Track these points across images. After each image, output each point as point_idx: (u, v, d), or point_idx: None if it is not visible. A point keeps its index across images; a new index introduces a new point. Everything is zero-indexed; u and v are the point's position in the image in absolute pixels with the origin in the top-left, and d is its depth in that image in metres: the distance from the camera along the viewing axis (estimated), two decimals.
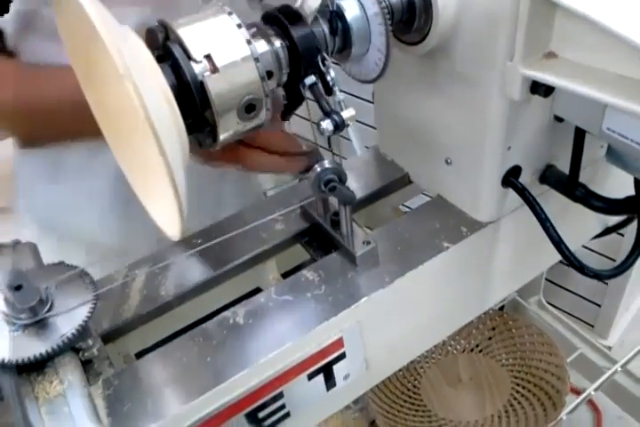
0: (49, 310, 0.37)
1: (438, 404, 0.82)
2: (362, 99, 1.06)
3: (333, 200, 0.44)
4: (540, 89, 0.36)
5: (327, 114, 0.34)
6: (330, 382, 0.45)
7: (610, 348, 1.23)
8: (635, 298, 1.33)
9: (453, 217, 0.49)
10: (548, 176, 0.47)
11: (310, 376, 0.44)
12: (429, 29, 0.38)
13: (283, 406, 0.44)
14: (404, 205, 0.64)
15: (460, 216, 0.49)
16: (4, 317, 0.36)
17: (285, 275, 0.51)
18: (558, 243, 0.42)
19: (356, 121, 0.39)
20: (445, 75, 0.41)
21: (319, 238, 0.50)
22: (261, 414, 0.42)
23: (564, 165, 0.47)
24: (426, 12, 0.37)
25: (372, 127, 0.77)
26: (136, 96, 0.25)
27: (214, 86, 0.31)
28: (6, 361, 0.34)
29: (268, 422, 0.43)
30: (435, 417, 0.80)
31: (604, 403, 1.10)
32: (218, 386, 0.38)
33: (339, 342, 0.44)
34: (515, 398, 0.78)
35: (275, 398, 0.42)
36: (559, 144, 0.46)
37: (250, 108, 0.32)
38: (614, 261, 1.14)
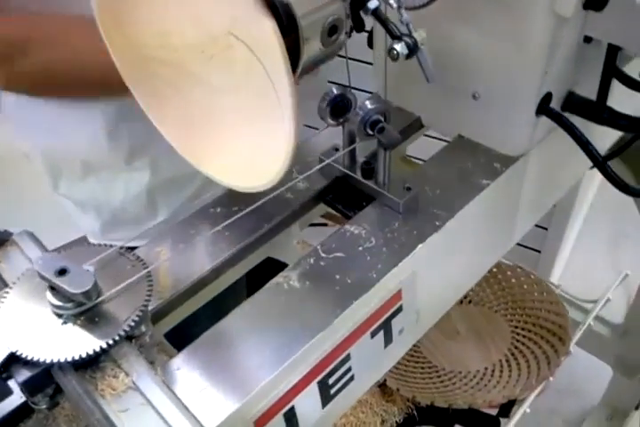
0: (99, 296, 0.31)
1: (442, 358, 0.82)
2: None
3: (382, 140, 0.41)
4: (595, 2, 0.34)
5: (398, 37, 0.31)
6: (388, 338, 0.43)
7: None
8: (569, 241, 1.41)
9: (483, 155, 0.47)
10: (572, 102, 0.46)
11: (373, 334, 0.41)
12: None
13: (349, 370, 0.41)
14: (408, 156, 0.62)
15: (489, 153, 0.48)
16: (51, 308, 0.30)
17: None
18: (601, 164, 0.42)
19: None
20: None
21: (344, 194, 0.48)
22: (331, 380, 0.40)
23: (583, 91, 0.46)
24: None
25: None
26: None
27: (300, 7, 0.27)
28: (63, 360, 0.29)
29: (336, 387, 0.41)
30: (443, 371, 0.80)
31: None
32: (292, 356, 0.35)
33: (398, 295, 0.41)
34: (518, 341, 0.80)
35: (343, 362, 0.40)
36: (582, 69, 0.45)
37: (332, 31, 0.28)
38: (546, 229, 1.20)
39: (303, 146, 0.51)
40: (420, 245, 0.41)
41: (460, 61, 0.44)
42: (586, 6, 0.35)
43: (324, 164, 0.45)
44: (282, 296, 0.39)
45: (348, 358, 0.40)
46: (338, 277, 0.40)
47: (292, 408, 0.37)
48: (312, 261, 0.41)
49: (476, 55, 0.43)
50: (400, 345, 0.46)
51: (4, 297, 0.32)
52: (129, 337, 0.34)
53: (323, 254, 0.41)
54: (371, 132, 0.39)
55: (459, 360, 0.81)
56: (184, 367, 0.35)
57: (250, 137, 0.26)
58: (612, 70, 0.42)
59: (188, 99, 0.28)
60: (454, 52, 0.44)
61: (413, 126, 0.53)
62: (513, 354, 0.79)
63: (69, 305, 0.30)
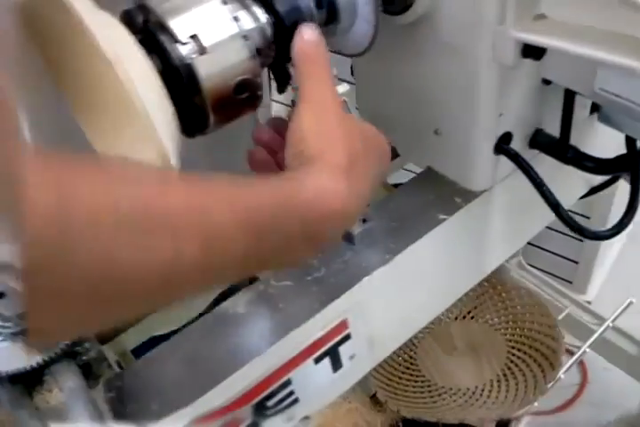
0: None
1: (436, 373, 0.83)
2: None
3: None
4: (532, 52, 0.34)
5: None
6: (336, 363, 0.45)
7: (589, 302, 1.27)
8: (609, 252, 1.36)
9: (446, 188, 0.48)
10: (538, 140, 0.46)
11: (317, 360, 0.43)
12: None
13: (291, 393, 0.43)
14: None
15: (452, 187, 0.48)
16: None
17: None
18: (556, 206, 0.42)
19: None
20: (432, 44, 0.40)
21: None
22: (270, 403, 0.42)
23: (552, 129, 0.46)
24: None
25: None
26: (128, 84, 0.23)
27: (203, 69, 0.29)
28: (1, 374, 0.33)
29: (276, 409, 0.43)
30: (434, 386, 0.81)
31: (589, 355, 1.14)
32: (223, 381, 0.37)
33: (343, 324, 0.43)
34: (512, 362, 0.80)
35: (283, 386, 0.42)
36: (547, 108, 0.45)
37: (241, 90, 0.30)
38: (589, 218, 1.16)
39: None
40: (365, 278, 0.42)
41: (419, 99, 0.45)
42: (525, 55, 0.35)
43: None
44: (225, 321, 0.41)
45: (288, 382, 0.42)
46: (281, 305, 0.42)
47: None
48: (262, 287, 0.43)
49: (432, 93, 0.43)
50: (354, 370, 0.48)
51: None
52: (72, 354, 0.37)
53: (273, 282, 0.43)
54: None
55: (451, 377, 0.82)
56: (124, 383, 0.38)
57: None
58: (571, 110, 0.42)
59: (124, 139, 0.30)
60: (412, 90, 0.45)
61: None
62: (505, 375, 0.78)
63: (8, 324, 0.34)
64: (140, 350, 0.46)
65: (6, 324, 0.34)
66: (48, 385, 0.35)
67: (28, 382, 0.35)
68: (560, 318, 0.91)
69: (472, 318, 0.90)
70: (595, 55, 0.32)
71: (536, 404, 0.70)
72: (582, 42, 0.32)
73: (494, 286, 0.92)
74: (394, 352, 0.84)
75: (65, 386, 0.35)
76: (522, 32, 0.34)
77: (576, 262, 1.29)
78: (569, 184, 0.59)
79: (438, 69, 0.41)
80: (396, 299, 0.46)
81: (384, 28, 0.42)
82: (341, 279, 0.42)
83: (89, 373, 0.39)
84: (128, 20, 0.30)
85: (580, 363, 1.26)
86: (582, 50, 0.32)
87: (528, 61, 0.37)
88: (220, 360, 0.39)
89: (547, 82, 0.42)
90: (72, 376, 0.36)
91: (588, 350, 0.76)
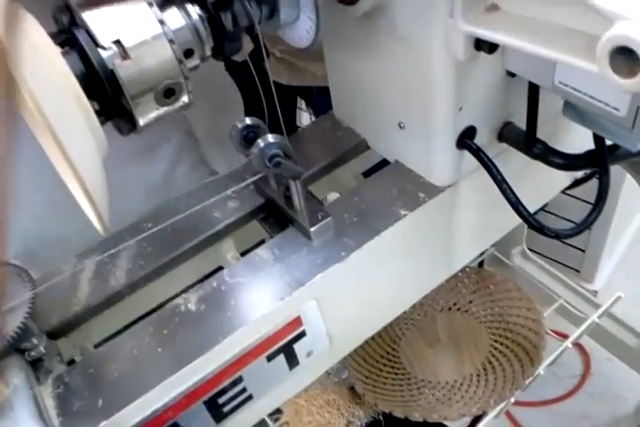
0: None
1: (418, 366, 0.82)
2: None
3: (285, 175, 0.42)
4: (484, 45, 0.33)
5: None
6: (292, 360, 0.44)
7: (596, 292, 1.26)
8: (618, 241, 1.34)
9: (411, 183, 0.47)
10: (506, 134, 0.45)
11: (270, 357, 0.43)
12: None
13: (244, 390, 0.43)
14: None
15: (417, 181, 0.47)
16: None
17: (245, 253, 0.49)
18: (516, 205, 0.41)
19: None
20: (386, 35, 0.38)
21: (275, 214, 0.48)
22: (222, 400, 0.42)
23: (522, 122, 0.44)
24: None
25: None
26: (33, 103, 0.22)
27: (126, 74, 0.28)
28: None
29: (230, 406, 0.43)
30: (414, 379, 0.80)
31: (593, 347, 1.13)
32: (170, 377, 0.37)
33: (297, 321, 0.42)
34: (493, 356, 0.79)
35: (234, 383, 0.41)
36: (515, 100, 0.43)
37: (169, 93, 0.29)
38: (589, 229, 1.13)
39: (246, 165, 0.52)
40: (320, 275, 0.41)
41: (381, 91, 0.44)
42: (477, 48, 0.34)
43: (244, 184, 0.46)
44: (176, 318, 0.41)
45: (240, 379, 0.42)
46: (233, 302, 0.41)
47: (176, 425, 0.40)
48: (215, 284, 0.43)
49: (392, 86, 0.42)
50: (313, 366, 0.47)
51: None
52: (21, 350, 0.37)
53: (226, 278, 0.43)
54: (269, 166, 0.40)
55: (431, 369, 0.81)
56: (72, 380, 0.38)
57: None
58: (536, 102, 0.40)
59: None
60: (374, 83, 0.44)
61: (360, 147, 0.53)
62: (485, 369, 0.77)
63: None
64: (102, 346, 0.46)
65: None
66: None
67: None
68: (556, 306, 0.90)
69: (458, 309, 0.89)
70: (546, 54, 0.30)
71: (512, 400, 0.70)
72: (534, 38, 0.30)
73: (483, 278, 0.90)
74: (376, 344, 0.84)
75: (10, 382, 0.36)
76: (471, 26, 0.32)
77: (583, 251, 1.27)
78: (550, 176, 0.57)
79: (395, 62, 0.39)
80: (353, 297, 0.45)
81: (341, 21, 0.41)
82: (295, 276, 0.42)
83: (40, 368, 0.39)
84: (56, 19, 0.29)
85: (583, 352, 1.25)
86: (534, 48, 0.30)
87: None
88: (169, 357, 0.39)
89: (511, 74, 0.40)
90: (18, 372, 0.36)
91: (570, 345, 0.75)
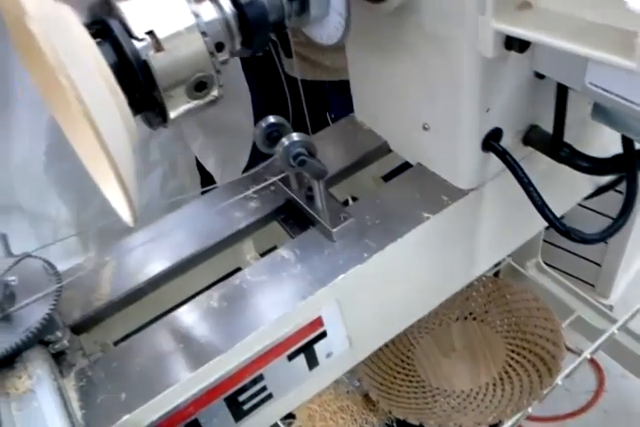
0: (13, 304, 0.35)
1: (432, 374, 0.81)
2: None
3: (306, 174, 0.42)
4: (515, 44, 0.33)
5: None
6: (312, 361, 0.44)
7: (611, 307, 1.24)
8: (635, 256, 1.32)
9: (434, 186, 0.47)
10: (532, 137, 0.45)
11: (290, 357, 0.42)
12: None
13: (264, 389, 0.42)
14: None
15: (441, 184, 0.47)
16: None
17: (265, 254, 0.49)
18: (542, 207, 0.40)
19: None
20: (414, 33, 0.38)
21: (295, 215, 0.49)
22: (242, 398, 0.41)
23: (548, 125, 0.44)
24: None
25: None
26: (72, 90, 0.23)
27: (159, 66, 0.28)
28: None
29: (250, 404, 0.43)
30: (429, 387, 0.79)
31: (607, 362, 1.10)
32: (192, 373, 0.37)
33: (318, 322, 0.42)
34: (510, 365, 0.78)
35: (254, 381, 0.41)
36: (542, 103, 0.43)
37: (200, 86, 0.29)
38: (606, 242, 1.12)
39: (267, 166, 0.52)
40: (341, 276, 0.41)
41: (406, 92, 0.44)
42: (507, 47, 0.34)
43: (265, 184, 0.46)
44: (199, 314, 0.41)
45: (260, 377, 0.42)
46: (255, 301, 0.41)
47: (196, 421, 0.39)
48: (237, 282, 0.43)
49: (418, 86, 0.42)
50: (332, 368, 0.47)
51: None
52: (46, 342, 0.38)
53: (248, 277, 0.43)
54: (293, 164, 0.40)
55: (447, 378, 0.80)
56: (95, 374, 0.38)
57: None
58: (564, 105, 0.40)
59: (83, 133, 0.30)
60: (399, 83, 0.44)
61: (382, 149, 0.53)
62: (501, 379, 0.76)
63: None
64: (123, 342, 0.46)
65: None
66: (18, 371, 0.36)
67: (1, 369, 0.35)
68: (571, 320, 0.89)
69: (474, 319, 0.88)
70: (581, 51, 0.30)
71: (530, 409, 0.69)
72: (567, 35, 0.30)
73: (500, 287, 0.90)
74: (390, 352, 0.83)
75: (34, 373, 0.36)
76: (502, 23, 0.32)
77: (599, 265, 1.25)
78: (572, 183, 0.57)
79: (422, 61, 0.40)
80: (374, 298, 0.45)
81: (368, 18, 0.41)
82: (317, 276, 0.42)
83: (63, 361, 0.39)
84: (92, 11, 0.29)
85: (598, 369, 1.23)
86: (567, 45, 0.30)
87: (516, 54, 0.35)
88: (191, 353, 0.39)
89: (540, 75, 0.40)
90: (42, 364, 0.36)
91: (589, 356, 0.74)
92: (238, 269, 0.50)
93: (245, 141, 0.78)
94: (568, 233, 0.40)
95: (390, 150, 0.53)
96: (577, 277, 1.32)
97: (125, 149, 0.27)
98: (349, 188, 0.54)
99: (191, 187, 0.72)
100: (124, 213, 0.29)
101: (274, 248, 0.49)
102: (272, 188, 0.49)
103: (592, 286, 1.30)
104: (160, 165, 0.68)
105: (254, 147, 0.79)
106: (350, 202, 0.56)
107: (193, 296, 0.47)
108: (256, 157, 0.80)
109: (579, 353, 0.83)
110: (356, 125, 0.55)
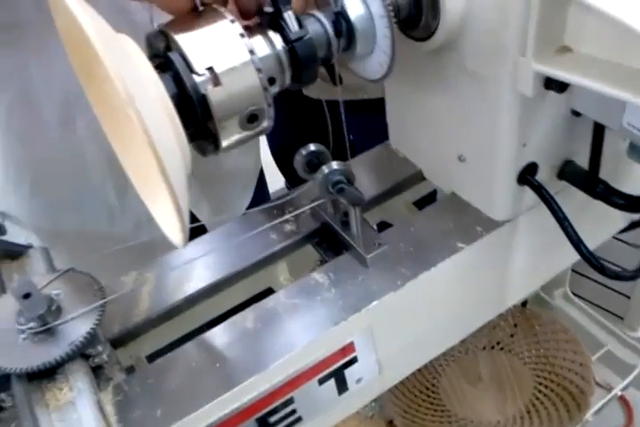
0: (58, 318, 0.37)
1: (458, 403, 0.80)
2: None
3: (343, 200, 0.44)
4: (554, 85, 0.34)
5: None
6: (341, 386, 0.44)
7: None
8: None
9: (468, 216, 0.47)
10: (567, 172, 0.45)
11: (321, 381, 0.43)
12: (437, 25, 0.36)
13: (294, 411, 0.43)
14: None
15: (475, 215, 0.47)
16: (15, 324, 0.36)
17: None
18: (577, 243, 0.41)
19: None
20: (455, 70, 0.40)
21: (330, 239, 0.50)
22: (272, 419, 0.42)
23: (583, 161, 0.45)
24: (433, 7, 0.36)
25: None
26: (138, 121, 0.25)
27: (216, 99, 0.30)
28: (16, 370, 0.35)
29: (280, 426, 0.43)
30: (454, 417, 0.78)
31: (637, 398, 1.07)
32: (227, 393, 0.38)
33: (350, 347, 0.43)
34: (537, 398, 0.77)
35: (285, 404, 0.42)
36: (578, 139, 0.44)
37: (252, 118, 0.31)
38: None
39: (305, 188, 0.53)
40: (374, 302, 0.42)
41: (443, 124, 0.45)
42: (547, 87, 0.35)
43: (302, 209, 0.48)
44: (233, 335, 0.42)
45: (291, 400, 0.42)
46: (288, 324, 0.42)
47: None
48: (271, 304, 0.44)
49: (456, 119, 0.43)
50: (361, 394, 0.47)
51: None
52: (86, 355, 0.39)
53: (282, 299, 0.44)
54: (332, 191, 0.41)
55: (473, 408, 0.79)
56: (131, 389, 0.39)
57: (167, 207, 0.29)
58: (601, 142, 0.40)
59: (139, 156, 0.32)
60: (436, 115, 0.45)
61: (416, 177, 0.54)
62: (529, 412, 0.75)
63: (31, 324, 0.36)
64: (155, 357, 0.47)
65: (30, 324, 0.36)
66: (59, 383, 0.37)
67: (42, 379, 0.37)
68: (601, 353, 0.87)
69: (501, 349, 0.87)
70: (619, 95, 0.31)
71: None
72: (607, 79, 0.31)
73: (528, 317, 0.89)
74: (416, 379, 0.83)
75: (75, 386, 0.37)
76: (542, 65, 0.33)
77: (628, 297, 1.23)
78: (606, 217, 0.57)
79: (461, 96, 0.41)
80: (405, 326, 0.46)
81: (409, 54, 0.43)
82: (350, 302, 0.42)
83: (101, 375, 0.41)
84: (150, 43, 0.31)
85: (625, 403, 1.19)
86: (606, 89, 0.31)
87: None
88: (226, 373, 0.40)
89: (577, 113, 0.41)
90: (83, 377, 0.38)
91: (619, 392, 0.72)
92: (269, 289, 0.52)
93: (248, 185, 0.78)
94: (603, 269, 0.40)
95: (424, 178, 0.54)
96: (605, 309, 1.29)
97: (181, 177, 0.29)
98: (381, 213, 0.55)
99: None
100: (175, 236, 0.31)
101: (306, 270, 0.50)
102: (308, 211, 0.50)
103: (621, 318, 1.27)
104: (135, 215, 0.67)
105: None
106: (374, 225, 0.57)
107: (225, 314, 0.49)
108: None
109: (607, 388, 0.82)
110: (391, 153, 0.56)
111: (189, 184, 0.31)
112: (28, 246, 0.48)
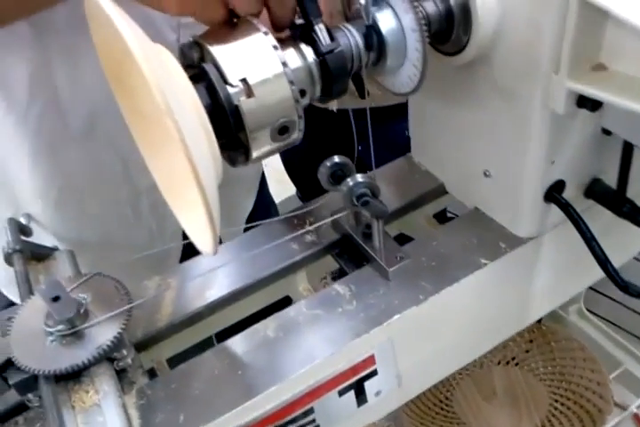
0: (85, 321, 0.37)
1: (473, 417, 0.80)
2: None
3: (366, 212, 0.44)
4: (587, 103, 0.34)
5: None
6: (361, 398, 0.44)
7: None
8: None
9: (492, 232, 0.47)
10: (594, 190, 0.45)
11: (341, 392, 0.43)
12: (468, 40, 0.37)
13: (313, 421, 0.43)
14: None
15: (498, 231, 0.47)
16: (44, 326, 0.37)
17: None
18: (604, 262, 0.40)
19: None
20: (485, 86, 0.40)
21: (351, 250, 0.50)
22: None
23: (611, 179, 0.45)
24: (465, 22, 0.36)
25: None
26: (176, 132, 0.25)
27: (249, 110, 0.30)
28: (45, 372, 0.35)
29: None
30: None
31: None
32: (248, 401, 0.38)
33: (370, 360, 0.43)
34: (553, 415, 0.76)
35: (305, 414, 0.42)
36: (606, 157, 0.44)
37: (283, 130, 0.32)
38: None
39: (326, 199, 0.54)
40: (396, 316, 0.42)
41: (470, 139, 0.45)
42: (579, 106, 0.35)
43: (324, 221, 0.48)
44: (255, 343, 0.42)
45: (311, 410, 0.42)
46: (310, 334, 0.42)
47: None
48: (292, 313, 0.44)
49: (483, 135, 0.43)
50: (380, 406, 0.47)
51: (18, 310, 0.39)
52: (111, 359, 0.39)
53: (304, 309, 0.44)
54: (356, 204, 0.41)
55: (488, 423, 0.78)
56: (154, 393, 0.40)
57: (197, 215, 0.30)
58: (629, 162, 0.40)
59: (170, 164, 0.32)
60: (463, 129, 0.45)
61: (437, 191, 0.54)
62: None
63: (59, 327, 0.37)
64: (174, 360, 0.48)
65: (58, 326, 0.37)
66: (86, 386, 0.38)
67: (68, 381, 0.37)
68: (617, 373, 0.86)
69: (516, 364, 0.86)
70: None
71: None
72: None
73: (544, 333, 0.88)
74: (430, 391, 0.82)
75: (101, 389, 0.38)
76: (576, 83, 0.33)
77: None
78: (631, 236, 0.56)
79: (490, 112, 0.41)
80: (426, 340, 0.45)
81: (438, 69, 0.43)
82: (372, 315, 0.42)
83: (124, 378, 0.41)
84: (184, 53, 0.32)
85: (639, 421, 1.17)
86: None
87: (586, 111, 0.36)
88: (248, 381, 0.40)
89: (607, 131, 0.41)
90: (108, 380, 0.38)
91: (635, 409, 0.71)
92: (287, 298, 0.52)
93: (251, 188, 0.79)
94: (627, 288, 0.40)
95: (446, 192, 0.54)
96: (620, 327, 1.27)
97: (213, 186, 0.29)
98: (401, 225, 0.56)
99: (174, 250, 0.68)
100: (206, 245, 0.31)
101: (325, 279, 0.50)
102: (329, 222, 0.51)
103: (636, 337, 1.26)
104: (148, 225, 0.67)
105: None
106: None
107: (244, 321, 0.49)
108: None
109: (623, 406, 0.80)
110: (414, 166, 0.56)
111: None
112: (54, 249, 0.49)
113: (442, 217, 0.58)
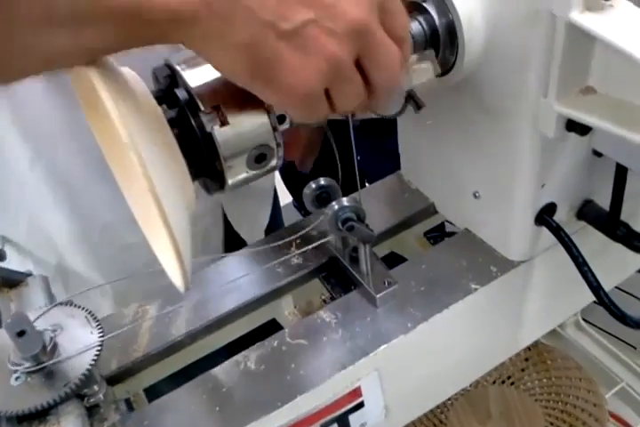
0: (53, 356, 0.35)
1: None
2: None
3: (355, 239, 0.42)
4: (577, 127, 0.32)
5: None
6: None
7: None
8: None
9: (482, 255, 0.46)
10: (586, 212, 0.43)
11: (324, 426, 0.41)
12: (455, 61, 0.35)
13: None
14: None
15: (489, 254, 0.45)
16: (9, 363, 0.35)
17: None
18: (597, 289, 0.39)
19: None
20: (473, 108, 0.38)
21: (338, 273, 0.48)
22: None
23: (603, 201, 0.43)
24: (451, 44, 0.34)
25: None
26: (139, 166, 0.23)
27: (223, 138, 0.29)
28: (6, 413, 0.33)
29: None
30: None
31: None
32: None
33: (356, 392, 0.41)
34: None
35: None
36: (598, 178, 0.42)
37: (260, 158, 0.30)
38: None
39: (313, 222, 0.52)
40: (383, 346, 0.40)
41: (459, 160, 0.43)
42: (569, 129, 0.33)
43: (311, 246, 0.46)
44: (235, 376, 0.40)
45: None
46: (293, 366, 0.40)
47: None
48: (275, 343, 0.42)
49: (472, 157, 0.42)
50: None
51: None
52: (81, 395, 0.37)
53: (287, 339, 0.42)
54: (342, 228, 0.40)
55: None
56: None
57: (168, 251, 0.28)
58: (623, 184, 0.39)
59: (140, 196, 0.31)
60: (452, 151, 0.44)
61: (428, 210, 0.52)
62: None
63: (25, 364, 0.35)
64: (152, 390, 0.46)
65: (23, 363, 0.35)
66: (50, 425, 0.35)
67: (32, 420, 0.35)
68: (616, 389, 0.84)
69: (512, 383, 0.84)
70: None
71: None
72: (631, 124, 0.30)
73: (540, 352, 0.86)
74: (424, 415, 0.80)
75: None
76: (565, 107, 0.32)
77: None
78: (623, 258, 0.55)
79: (478, 133, 0.39)
80: (415, 369, 0.44)
81: (427, 89, 0.42)
82: (358, 344, 0.41)
83: (95, 414, 0.39)
84: (156, 77, 0.30)
85: None
86: (630, 135, 0.30)
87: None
88: (226, 417, 0.38)
89: (598, 153, 0.40)
90: (74, 420, 0.36)
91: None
92: (273, 320, 0.50)
93: (266, 199, 0.78)
94: (623, 318, 0.38)
95: (436, 211, 0.52)
96: (618, 338, 1.25)
97: (182, 220, 0.28)
98: (391, 244, 0.54)
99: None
100: (177, 280, 0.29)
101: (311, 305, 0.49)
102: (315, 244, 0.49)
103: (633, 347, 1.24)
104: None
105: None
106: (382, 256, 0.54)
107: (227, 347, 0.47)
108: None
109: (626, 424, 0.78)
110: (404, 184, 0.55)
111: (194, 222, 0.30)
112: (28, 274, 0.47)
113: (439, 230, 0.56)
